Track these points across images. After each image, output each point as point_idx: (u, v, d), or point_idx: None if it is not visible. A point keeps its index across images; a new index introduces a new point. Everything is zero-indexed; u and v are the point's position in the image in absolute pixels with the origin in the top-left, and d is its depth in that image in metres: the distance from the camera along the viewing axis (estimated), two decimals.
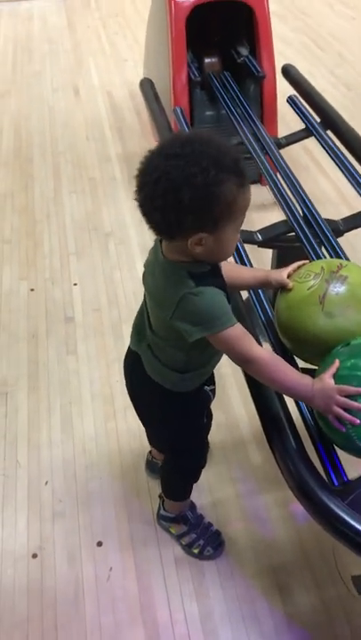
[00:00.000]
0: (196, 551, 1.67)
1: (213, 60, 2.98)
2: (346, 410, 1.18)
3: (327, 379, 1.21)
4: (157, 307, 1.28)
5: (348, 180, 2.25)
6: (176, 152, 1.08)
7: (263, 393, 1.40)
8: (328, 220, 2.05)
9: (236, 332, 1.21)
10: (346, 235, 2.19)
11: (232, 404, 2.04)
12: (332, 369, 1.23)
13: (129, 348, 1.46)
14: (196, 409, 1.47)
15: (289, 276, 1.44)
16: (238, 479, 1.86)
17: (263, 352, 1.23)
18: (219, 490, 1.83)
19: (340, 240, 1.99)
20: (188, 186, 1.06)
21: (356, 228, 2.19)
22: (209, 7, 2.78)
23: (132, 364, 1.44)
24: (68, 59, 4.61)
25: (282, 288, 1.44)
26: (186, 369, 1.35)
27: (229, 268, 1.42)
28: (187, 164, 1.06)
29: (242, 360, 1.23)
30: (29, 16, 5.41)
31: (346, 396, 1.18)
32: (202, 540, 1.68)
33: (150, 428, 1.68)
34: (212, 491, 1.83)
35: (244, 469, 1.88)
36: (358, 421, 1.18)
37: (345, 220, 2.16)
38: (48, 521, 1.77)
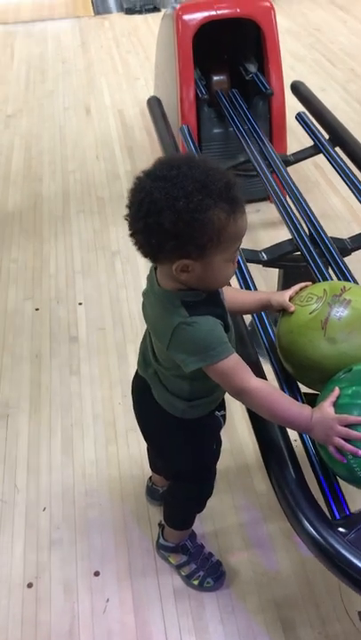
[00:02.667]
0: (195, 582, 1.61)
1: (222, 77, 2.96)
2: (347, 440, 1.13)
3: (327, 408, 1.16)
4: (155, 336, 1.26)
5: (356, 196, 2.20)
6: (163, 174, 1.06)
7: (263, 420, 1.35)
8: (335, 239, 2.01)
9: (232, 362, 1.17)
10: (356, 253, 2.15)
11: (237, 431, 1.99)
12: (332, 397, 1.18)
13: (137, 372, 1.43)
14: (206, 435, 1.43)
15: (291, 299, 1.39)
16: (242, 507, 1.80)
17: (259, 383, 1.19)
18: (221, 518, 1.78)
19: (348, 259, 1.95)
20: (170, 209, 1.03)
21: None
22: (218, 25, 2.77)
23: (141, 390, 1.41)
24: (80, 78, 4.63)
25: (284, 311, 1.40)
26: (192, 397, 1.31)
27: (230, 292, 1.39)
28: (171, 187, 1.04)
29: (237, 391, 1.19)
30: (44, 37, 5.47)
31: (347, 426, 1.13)
32: (202, 570, 1.62)
33: (158, 453, 1.64)
34: (215, 519, 1.77)
35: (249, 497, 1.82)
36: (360, 452, 1.13)
37: (353, 238, 2.11)
38: (45, 549, 1.73)
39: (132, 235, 1.11)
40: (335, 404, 1.17)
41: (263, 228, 2.86)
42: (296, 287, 1.43)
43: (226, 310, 1.25)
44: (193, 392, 1.30)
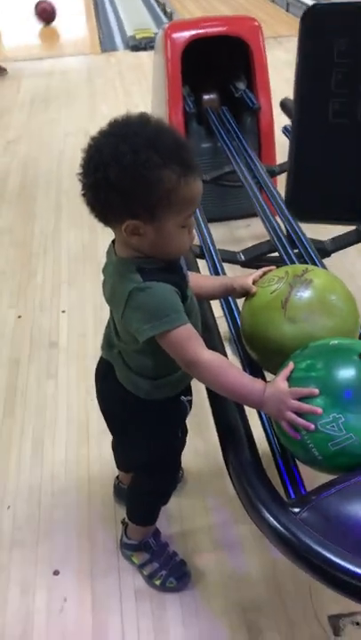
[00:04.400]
0: (157, 582, 1.53)
1: (212, 96, 3.01)
2: (301, 416, 1.07)
3: (280, 382, 1.12)
4: (113, 307, 1.24)
5: None
6: (114, 131, 1.08)
7: (221, 401, 1.30)
8: (314, 240, 1.99)
9: (185, 332, 1.13)
10: (335, 255, 2.12)
11: (211, 431, 1.91)
12: (286, 371, 1.13)
13: (100, 357, 1.40)
14: (171, 420, 1.39)
15: (255, 282, 1.36)
16: (213, 508, 1.73)
17: (211, 355, 1.15)
18: (191, 519, 1.70)
19: (328, 261, 1.92)
20: (117, 163, 1.03)
21: (345, 247, 2.12)
22: (209, 45, 2.81)
23: (104, 372, 1.39)
24: (82, 107, 4.73)
25: (247, 295, 1.37)
26: (156, 375, 1.27)
27: (194, 277, 1.37)
28: (121, 143, 1.04)
29: (188, 362, 1.15)
30: (50, 72, 5.63)
31: (301, 400, 1.08)
32: (164, 570, 1.53)
33: (121, 441, 1.58)
34: (184, 520, 1.70)
35: (220, 499, 1.75)
36: (313, 427, 1.07)
37: (333, 239, 2.09)
38: (5, 549, 1.66)
39: (83, 194, 1.12)
40: (289, 379, 1.13)
41: (252, 241, 2.84)
42: (260, 271, 1.41)
43: (186, 280, 1.22)
44: (157, 369, 1.26)
